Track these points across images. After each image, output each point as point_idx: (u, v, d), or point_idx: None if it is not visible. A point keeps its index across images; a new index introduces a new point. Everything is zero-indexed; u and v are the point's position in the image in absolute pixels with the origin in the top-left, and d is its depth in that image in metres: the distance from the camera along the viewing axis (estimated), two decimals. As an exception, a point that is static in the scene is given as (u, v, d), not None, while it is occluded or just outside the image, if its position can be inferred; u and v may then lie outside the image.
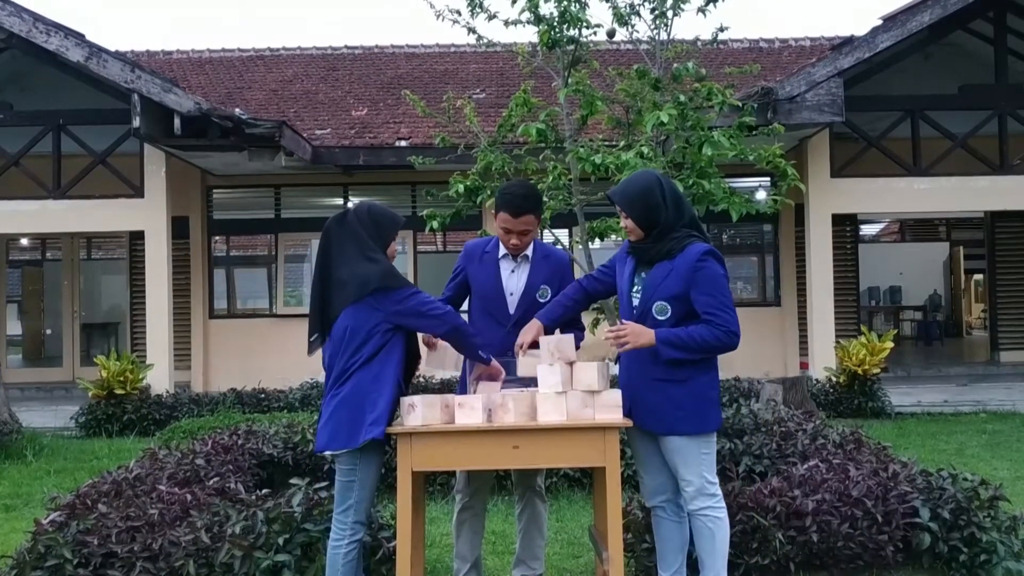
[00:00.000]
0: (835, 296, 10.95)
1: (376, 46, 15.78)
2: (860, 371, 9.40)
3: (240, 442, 5.56)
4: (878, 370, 9.50)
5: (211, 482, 4.57)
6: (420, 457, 3.34)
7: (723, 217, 6.39)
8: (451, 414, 3.38)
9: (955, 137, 11.07)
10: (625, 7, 6.74)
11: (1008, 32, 11.23)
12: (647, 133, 6.10)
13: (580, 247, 6.92)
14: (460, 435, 3.34)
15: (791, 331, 12.35)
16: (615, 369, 3.72)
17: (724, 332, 3.35)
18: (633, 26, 6.79)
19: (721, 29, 6.90)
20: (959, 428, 8.40)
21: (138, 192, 11.01)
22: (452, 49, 15.26)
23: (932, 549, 4.10)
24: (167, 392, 10.25)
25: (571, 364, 3.40)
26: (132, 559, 3.74)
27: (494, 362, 3.65)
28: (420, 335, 3.63)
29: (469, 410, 3.35)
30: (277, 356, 11.73)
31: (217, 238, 13.06)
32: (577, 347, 3.53)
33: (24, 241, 15.86)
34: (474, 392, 3.61)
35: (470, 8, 6.61)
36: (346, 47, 15.77)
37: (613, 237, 6.54)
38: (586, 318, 4.42)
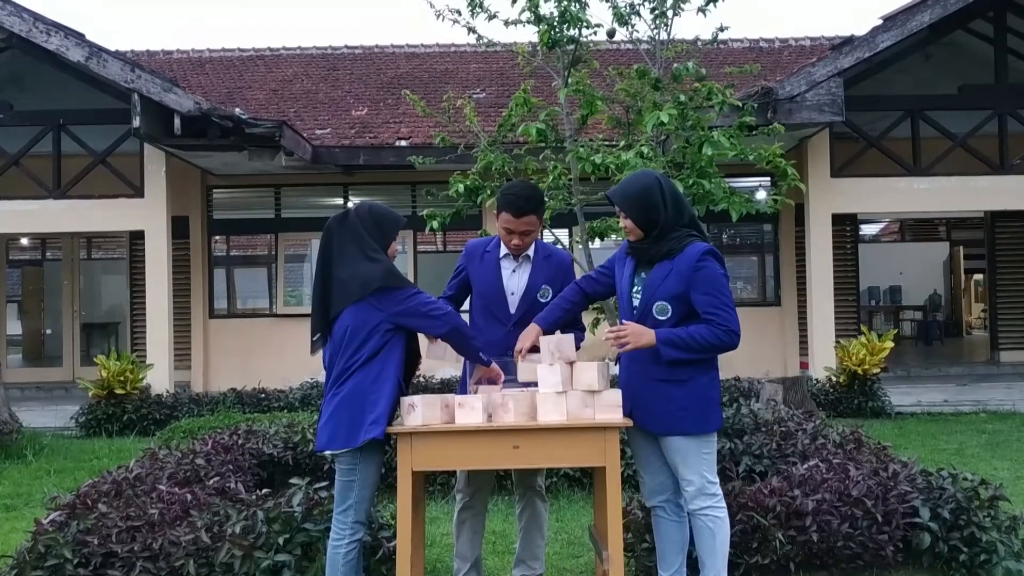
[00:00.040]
0: (835, 296, 10.95)
1: (376, 46, 15.78)
2: (860, 371, 9.40)
3: (240, 442, 5.56)
4: (878, 370, 9.50)
5: (211, 482, 4.57)
6: (420, 457, 3.34)
7: (723, 217, 6.39)
8: (451, 414, 3.38)
9: (955, 137, 11.07)
10: (625, 7, 6.74)
11: (1008, 32, 11.23)
12: (647, 133, 6.11)
13: (580, 247, 6.92)
14: (460, 435, 3.34)
15: (791, 331, 12.35)
16: (615, 369, 3.72)
17: (725, 332, 3.35)
18: (633, 26, 6.79)
19: (721, 29, 6.91)
20: (959, 428, 8.40)
21: (138, 192, 11.01)
22: (452, 49, 15.26)
23: (932, 549, 4.10)
24: (167, 392, 10.25)
25: (571, 364, 3.40)
26: (132, 559, 3.74)
27: (494, 364, 3.65)
28: None
29: (469, 410, 3.35)
30: (277, 356, 11.74)
31: (217, 238, 13.06)
32: (577, 347, 3.53)
33: (24, 241, 15.87)
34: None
35: (470, 8, 6.61)
36: (346, 47, 15.77)
37: (613, 237, 6.54)
38: (586, 318, 4.42)
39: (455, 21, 6.74)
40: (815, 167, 10.90)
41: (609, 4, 6.75)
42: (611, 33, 6.86)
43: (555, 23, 6.43)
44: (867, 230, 19.61)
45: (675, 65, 6.47)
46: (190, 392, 10.41)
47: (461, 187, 6.51)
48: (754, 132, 6.76)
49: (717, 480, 3.51)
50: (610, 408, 3.32)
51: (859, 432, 5.49)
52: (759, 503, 4.09)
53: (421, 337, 3.58)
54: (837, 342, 10.23)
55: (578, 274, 4.48)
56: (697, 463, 3.44)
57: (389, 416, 3.36)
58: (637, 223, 3.46)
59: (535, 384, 3.42)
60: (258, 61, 15.33)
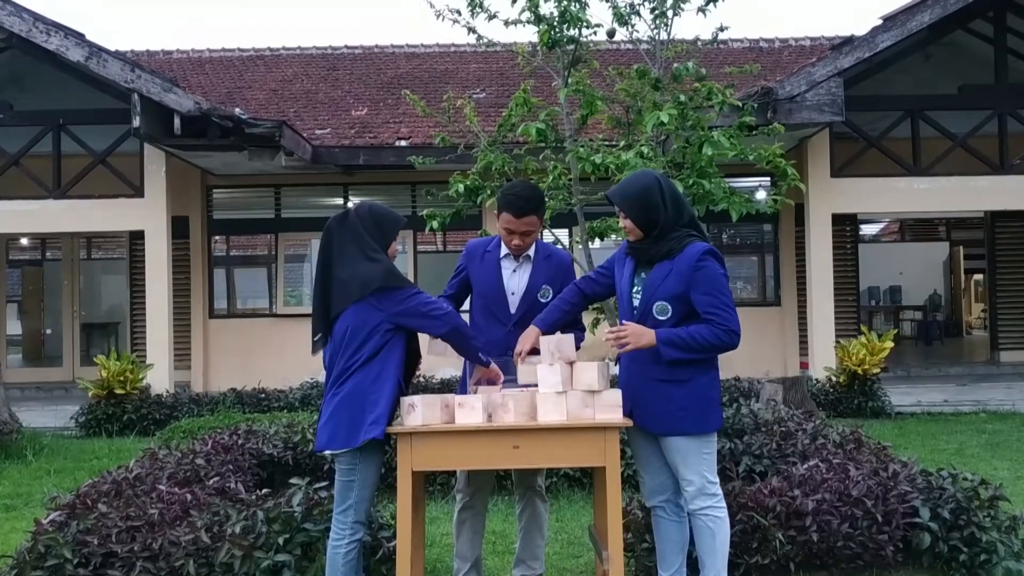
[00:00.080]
0: (835, 296, 10.95)
1: (376, 46, 15.78)
2: (860, 371, 9.40)
3: (240, 442, 5.56)
4: (878, 370, 9.50)
5: (211, 482, 4.57)
6: (420, 457, 3.34)
7: (723, 217, 6.39)
8: (451, 414, 3.38)
9: (955, 137, 11.07)
10: (625, 7, 6.74)
11: (1008, 32, 11.23)
12: (647, 133, 6.10)
13: (580, 247, 6.92)
14: (460, 435, 3.34)
15: (791, 331, 12.35)
16: (615, 369, 3.72)
17: (725, 331, 3.35)
18: (633, 26, 6.79)
19: (721, 29, 6.90)
20: (959, 428, 8.40)
21: (138, 192, 11.01)
22: (452, 49, 15.26)
23: (932, 549, 4.10)
24: (167, 392, 10.25)
25: (571, 364, 3.40)
26: (132, 559, 3.74)
27: (493, 365, 3.65)
28: None
29: (469, 410, 3.35)
30: (277, 356, 11.74)
31: (217, 238, 13.06)
32: (577, 347, 3.53)
33: (24, 241, 15.87)
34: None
35: (470, 8, 6.61)
36: (346, 47, 15.77)
37: (613, 237, 6.54)
38: (586, 318, 4.42)
39: (455, 21, 6.74)
40: (815, 167, 10.90)
41: (609, 4, 6.75)
42: (611, 33, 6.86)
43: (555, 23, 6.42)
44: (867, 230, 19.61)
45: (675, 65, 6.47)
46: (190, 392, 10.41)
47: (461, 187, 6.51)
48: (754, 132, 6.76)
49: (717, 480, 3.51)
50: (610, 408, 3.32)
51: (859, 432, 5.49)
52: (759, 503, 4.09)
53: (422, 336, 3.58)
54: (837, 342, 10.23)
55: (578, 274, 4.49)
56: (697, 463, 3.44)
57: (389, 416, 3.36)
58: (637, 223, 3.46)
59: (535, 386, 3.42)
60: (258, 61, 15.33)
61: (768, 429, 5.63)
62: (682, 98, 6.22)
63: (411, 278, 11.53)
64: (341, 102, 13.05)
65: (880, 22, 10.17)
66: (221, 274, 13.08)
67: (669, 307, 3.41)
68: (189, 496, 4.17)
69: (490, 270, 3.91)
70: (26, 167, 11.13)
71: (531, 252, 3.90)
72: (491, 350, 3.71)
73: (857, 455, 4.88)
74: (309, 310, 3.58)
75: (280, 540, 3.79)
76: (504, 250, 3.90)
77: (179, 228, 11.97)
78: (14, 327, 16.16)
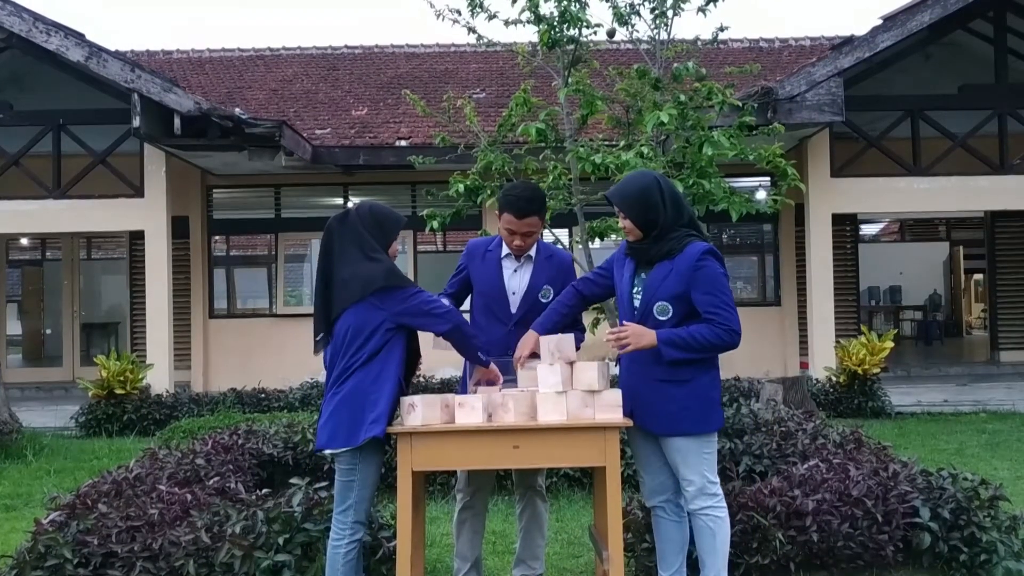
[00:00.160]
0: (835, 296, 10.95)
1: (376, 46, 15.78)
2: (860, 371, 9.40)
3: (240, 442, 5.56)
4: (878, 370, 9.50)
5: (211, 482, 4.57)
6: (420, 457, 3.34)
7: (723, 217, 6.38)
8: (451, 414, 3.38)
9: (955, 137, 11.07)
10: (625, 7, 6.74)
11: (1008, 32, 11.23)
12: (647, 133, 6.10)
13: (580, 247, 6.92)
14: (460, 435, 3.34)
15: (791, 331, 12.35)
16: (615, 369, 3.72)
17: (725, 331, 3.35)
18: (633, 26, 6.79)
19: (721, 29, 6.90)
20: (959, 428, 8.40)
21: (138, 192, 11.01)
22: (452, 49, 15.26)
23: (932, 549, 4.10)
24: (167, 392, 10.25)
25: (571, 364, 3.40)
26: (132, 559, 3.74)
27: (492, 366, 3.65)
28: None
29: (469, 410, 3.35)
30: (277, 356, 11.75)
31: (217, 238, 13.06)
32: (577, 348, 3.53)
33: (24, 241, 15.87)
34: None
35: (470, 8, 6.61)
36: (346, 47, 15.78)
37: (613, 237, 6.54)
38: (586, 318, 4.41)
39: (455, 21, 6.74)
40: (815, 167, 10.90)
41: (609, 4, 6.74)
42: (611, 33, 6.85)
43: (555, 23, 6.42)
44: (867, 230, 19.61)
45: (675, 65, 6.46)
46: (190, 392, 10.41)
47: (461, 187, 6.51)
48: (754, 132, 6.75)
49: (718, 480, 3.51)
50: (610, 408, 3.32)
51: (859, 432, 5.48)
52: (759, 503, 4.09)
53: (424, 334, 3.58)
54: (837, 342, 10.22)
55: (578, 274, 4.49)
56: (698, 463, 3.44)
57: (389, 415, 3.36)
58: (636, 223, 3.46)
59: (535, 390, 3.41)
60: (258, 61, 15.33)
61: (768, 429, 5.63)
62: (682, 98, 6.22)
63: (411, 278, 11.52)
64: (341, 102, 13.05)
65: (880, 22, 10.17)
66: (221, 274, 13.08)
67: (670, 307, 3.41)
68: (189, 496, 4.17)
69: (491, 270, 3.91)
70: (26, 167, 11.13)
71: (532, 252, 3.90)
72: (491, 350, 3.71)
73: (857, 455, 4.88)
74: (309, 310, 3.58)
75: (280, 540, 3.79)
76: (505, 250, 3.91)
77: (179, 228, 11.97)
78: (14, 327, 16.17)
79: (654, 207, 3.42)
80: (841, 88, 9.91)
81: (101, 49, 10.18)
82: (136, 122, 9.84)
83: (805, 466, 4.57)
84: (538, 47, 6.75)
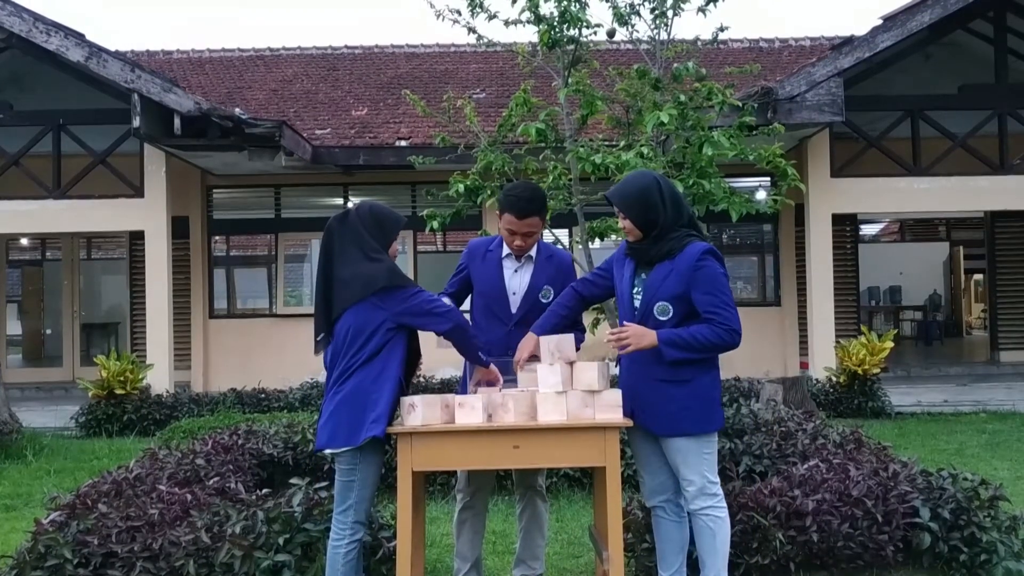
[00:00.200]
0: (835, 296, 10.95)
1: (376, 46, 15.78)
2: (860, 371, 9.40)
3: (240, 442, 5.56)
4: (878, 370, 9.50)
5: (211, 482, 4.57)
6: (420, 457, 3.34)
7: (723, 217, 6.38)
8: (451, 414, 3.38)
9: (955, 137, 11.07)
10: (625, 7, 6.74)
11: (1008, 32, 11.24)
12: (647, 133, 6.10)
13: (580, 247, 6.92)
14: (460, 435, 3.34)
15: (791, 331, 12.35)
16: (615, 369, 3.72)
17: (726, 330, 3.35)
18: (633, 26, 6.78)
19: (721, 29, 6.90)
20: (959, 428, 8.40)
21: (138, 192, 11.01)
22: (452, 49, 15.26)
23: (932, 549, 4.10)
24: (167, 392, 10.25)
25: (571, 364, 3.40)
26: (132, 559, 3.74)
27: (492, 367, 3.65)
28: None
29: (469, 410, 3.35)
30: (277, 356, 11.75)
31: (217, 238, 13.07)
32: (577, 348, 3.53)
33: (24, 241, 15.87)
34: None
35: (470, 8, 6.61)
36: (346, 47, 15.78)
37: (613, 237, 6.54)
38: (586, 318, 4.41)
39: (455, 21, 6.74)
40: (815, 167, 10.90)
41: (609, 4, 6.74)
42: (611, 33, 6.85)
43: (555, 23, 6.42)
44: (867, 230, 19.61)
45: (675, 65, 6.46)
46: (190, 392, 10.41)
47: (461, 187, 6.51)
48: (754, 132, 6.75)
49: (718, 480, 3.51)
50: (610, 408, 3.32)
51: (859, 432, 5.48)
52: (759, 503, 4.09)
53: (425, 335, 3.58)
54: (837, 342, 10.22)
55: (578, 274, 4.49)
56: (698, 463, 3.44)
57: (390, 415, 3.36)
58: (636, 223, 3.46)
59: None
60: (258, 61, 15.33)
61: (768, 429, 5.63)
62: (682, 98, 6.22)
63: (411, 278, 11.52)
64: (341, 102, 13.05)
65: (880, 22, 10.17)
66: (221, 274, 13.08)
67: (670, 307, 3.41)
68: (189, 496, 4.17)
69: (492, 270, 3.91)
70: (26, 167, 11.13)
71: (533, 252, 3.90)
72: (492, 350, 3.71)
73: (857, 455, 4.88)
74: (309, 310, 3.59)
75: (280, 540, 3.79)
76: (506, 250, 3.91)
77: (179, 228, 11.97)
78: (14, 327, 16.17)
79: (654, 207, 3.42)
80: (841, 88, 9.91)
81: (101, 49, 10.19)
82: (136, 122, 9.84)
83: (805, 466, 4.57)
84: (538, 47, 6.75)
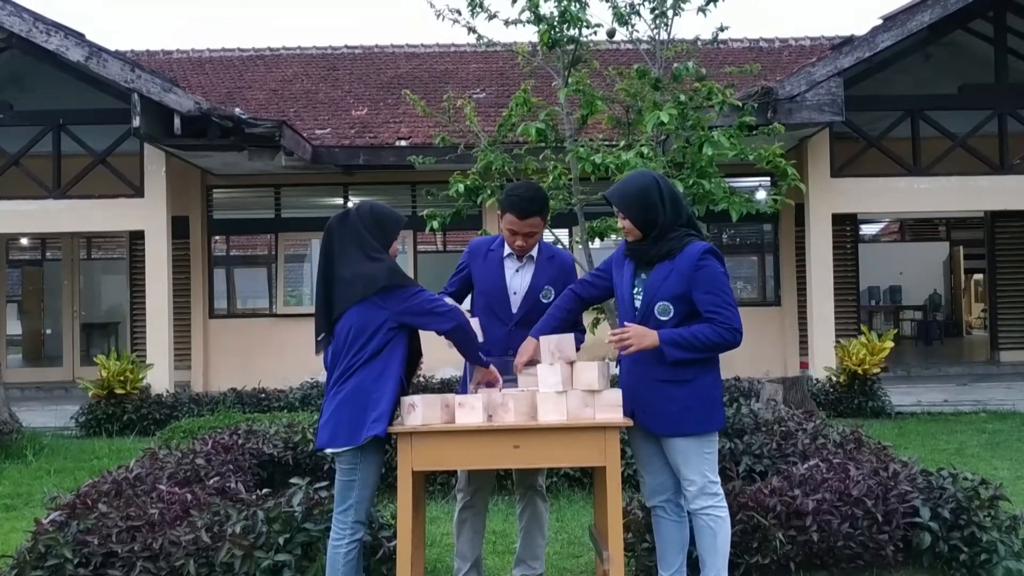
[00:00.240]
0: (835, 296, 10.95)
1: (376, 46, 15.78)
2: (860, 371, 9.40)
3: (240, 442, 5.56)
4: (878, 370, 9.50)
5: (211, 482, 4.57)
6: (420, 457, 3.34)
7: (723, 217, 6.39)
8: (451, 414, 3.38)
9: (955, 137, 11.07)
10: (625, 7, 6.74)
11: (1008, 32, 11.24)
12: (647, 133, 6.10)
13: (580, 247, 6.92)
14: (460, 435, 3.34)
15: (791, 331, 12.35)
16: (615, 369, 3.72)
17: (727, 330, 3.35)
18: (633, 26, 6.78)
19: (721, 29, 6.90)
20: (959, 428, 8.40)
21: (138, 192, 11.01)
22: (452, 49, 15.26)
23: (932, 549, 4.10)
24: (167, 392, 10.25)
25: (571, 364, 3.40)
26: (132, 559, 3.74)
27: (492, 368, 3.65)
28: None
29: (469, 410, 3.35)
30: (277, 356, 11.75)
31: (217, 238, 13.07)
32: (577, 348, 3.53)
33: (24, 241, 15.87)
34: None
35: (470, 8, 6.61)
36: (346, 47, 15.77)
37: (613, 237, 6.54)
38: (586, 318, 4.41)
39: (455, 21, 6.74)
40: (815, 167, 10.90)
41: (609, 4, 6.74)
42: (611, 33, 6.85)
43: (555, 23, 6.42)
44: (867, 230, 19.62)
45: (675, 65, 6.46)
46: (190, 392, 10.41)
47: (461, 187, 6.51)
48: (754, 132, 6.75)
49: (719, 479, 3.51)
50: (610, 408, 3.32)
51: (859, 432, 5.48)
52: (759, 503, 4.09)
53: (427, 335, 3.58)
54: (837, 342, 10.22)
55: (579, 274, 4.49)
56: (699, 463, 3.44)
57: (391, 415, 3.36)
58: (636, 223, 3.46)
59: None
60: (258, 61, 15.33)
61: (768, 429, 5.63)
62: (682, 98, 6.22)
63: (412, 278, 11.51)
64: (341, 102, 13.05)
65: (880, 22, 10.17)
66: (221, 274, 13.09)
67: (671, 307, 3.41)
68: (189, 496, 4.17)
69: (493, 269, 3.92)
70: (26, 167, 11.13)
71: (534, 252, 3.90)
72: (492, 350, 3.72)
73: (857, 455, 4.88)
74: (309, 310, 3.60)
75: (280, 540, 3.79)
76: (507, 249, 3.91)
77: (179, 228, 11.97)
78: (14, 327, 16.17)
79: (653, 207, 3.42)
80: (841, 88, 9.91)
81: (101, 49, 10.19)
82: (136, 122, 9.84)
83: (805, 466, 4.57)
84: (538, 47, 6.75)
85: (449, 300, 3.70)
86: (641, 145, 6.04)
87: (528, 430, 3.31)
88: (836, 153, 11.09)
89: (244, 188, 12.76)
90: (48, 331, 15.72)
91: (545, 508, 4.01)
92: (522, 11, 6.51)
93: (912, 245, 20.61)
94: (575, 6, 6.38)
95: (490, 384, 3.64)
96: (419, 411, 3.30)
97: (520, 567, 3.99)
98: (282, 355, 11.63)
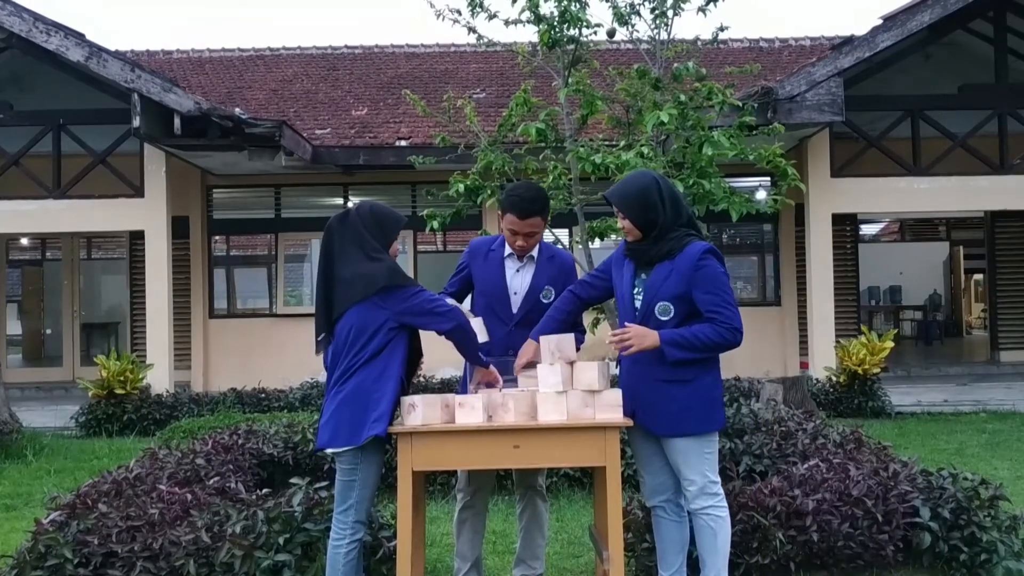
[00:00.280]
0: (835, 296, 10.95)
1: (376, 46, 15.78)
2: (860, 371, 9.40)
3: (240, 442, 5.56)
4: (878, 370, 9.50)
5: (211, 482, 4.57)
6: (420, 457, 3.34)
7: (723, 217, 6.39)
8: (451, 414, 3.38)
9: (955, 137, 11.07)
10: (625, 7, 6.73)
11: (1008, 32, 11.24)
12: (647, 133, 6.10)
13: (580, 247, 6.92)
14: (460, 435, 3.34)
15: (791, 331, 12.35)
16: (615, 369, 3.72)
17: (728, 329, 3.35)
18: (633, 26, 6.78)
19: (721, 29, 6.90)
20: (959, 428, 8.40)
21: (138, 192, 11.01)
22: (452, 49, 15.26)
23: (932, 549, 4.10)
24: (167, 392, 10.25)
25: (571, 364, 3.40)
26: (132, 559, 3.74)
27: (492, 368, 3.65)
28: None
29: (469, 410, 3.35)
30: (277, 356, 11.75)
31: (217, 238, 13.07)
32: (577, 348, 3.53)
33: (24, 241, 15.87)
34: None
35: (470, 8, 6.61)
36: (346, 47, 15.77)
37: (613, 237, 6.54)
38: (586, 318, 4.41)
39: (455, 21, 6.74)
40: (815, 167, 10.90)
41: (609, 4, 6.74)
42: (611, 33, 6.85)
43: (555, 23, 6.42)
44: (867, 230, 19.61)
45: (675, 65, 6.46)
46: (190, 392, 10.41)
47: (461, 187, 6.51)
48: (754, 132, 6.75)
49: (719, 479, 3.51)
50: (610, 408, 3.32)
51: (859, 432, 5.48)
52: (759, 503, 4.09)
53: (425, 335, 3.58)
54: (837, 342, 10.22)
55: (579, 274, 4.49)
56: (699, 463, 3.44)
57: (391, 415, 3.36)
58: (636, 223, 3.46)
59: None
60: (258, 61, 15.33)
61: (768, 429, 5.63)
62: (682, 98, 6.22)
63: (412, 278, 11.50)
64: (341, 102, 13.05)
65: (880, 22, 10.17)
66: (221, 274, 13.09)
67: (672, 307, 3.41)
68: (189, 496, 4.16)
69: (494, 269, 3.92)
70: (26, 167, 11.13)
71: (535, 252, 3.90)
72: (492, 350, 3.72)
73: (857, 455, 4.87)
74: (309, 310, 3.60)
75: (280, 540, 3.79)
76: (508, 250, 3.91)
77: (179, 228, 11.97)
78: (14, 327, 16.16)
79: (653, 207, 3.42)
80: (841, 88, 9.91)
81: (101, 49, 10.18)
82: (136, 122, 9.84)
83: (805, 466, 4.57)
84: (538, 47, 6.75)
85: (450, 300, 3.70)
86: (641, 145, 6.03)
87: (528, 430, 3.31)
88: (836, 153, 11.09)
89: (244, 188, 12.76)
90: (48, 331, 15.72)
91: (545, 508, 4.01)
92: (522, 11, 6.51)
93: (912, 245, 20.61)
94: (575, 6, 6.38)
95: (490, 384, 3.64)
96: (419, 411, 3.30)
97: (520, 567, 3.99)
98: (282, 355, 11.63)
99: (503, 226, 3.84)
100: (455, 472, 4.19)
